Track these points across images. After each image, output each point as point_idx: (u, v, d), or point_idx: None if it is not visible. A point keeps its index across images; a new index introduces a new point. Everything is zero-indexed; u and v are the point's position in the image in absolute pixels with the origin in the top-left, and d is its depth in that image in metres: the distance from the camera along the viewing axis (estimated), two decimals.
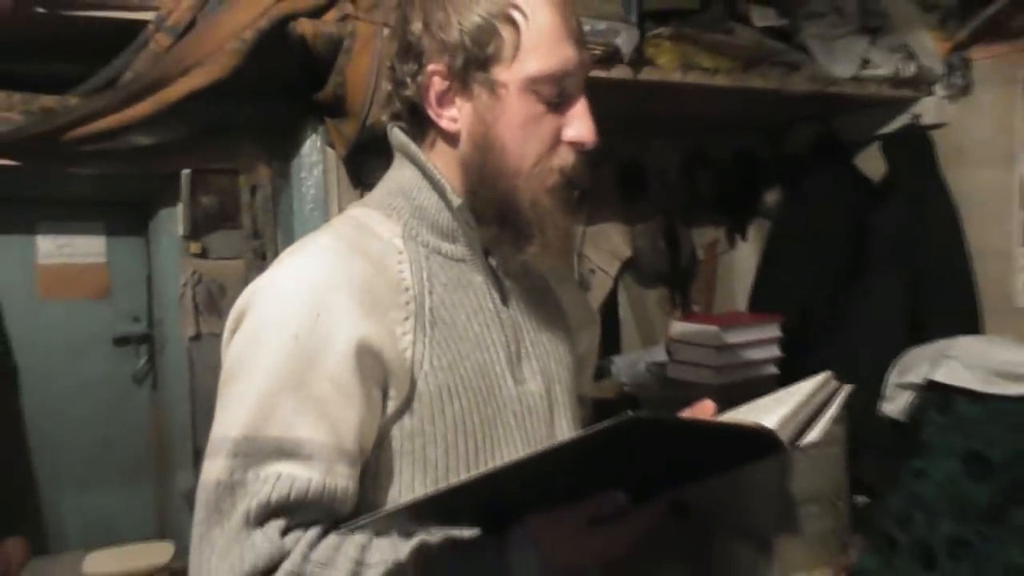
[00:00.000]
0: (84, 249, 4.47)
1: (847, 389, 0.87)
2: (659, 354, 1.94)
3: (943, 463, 1.52)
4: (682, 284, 2.24)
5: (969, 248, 1.82)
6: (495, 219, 0.89)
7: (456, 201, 0.89)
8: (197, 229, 4.24)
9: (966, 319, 1.78)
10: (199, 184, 4.21)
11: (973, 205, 1.83)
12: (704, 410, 0.90)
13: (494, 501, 0.78)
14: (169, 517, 4.43)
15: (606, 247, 2.14)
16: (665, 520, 0.96)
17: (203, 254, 4.25)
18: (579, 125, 0.88)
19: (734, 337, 1.78)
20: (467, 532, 0.80)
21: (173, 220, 4.29)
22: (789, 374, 1.73)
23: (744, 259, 2.30)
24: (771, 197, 2.21)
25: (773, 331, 1.82)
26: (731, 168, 2.27)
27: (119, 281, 4.56)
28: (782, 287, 2.04)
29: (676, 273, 2.21)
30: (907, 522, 1.52)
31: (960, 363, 1.55)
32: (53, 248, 4.36)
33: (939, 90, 1.89)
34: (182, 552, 3.74)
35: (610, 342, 2.12)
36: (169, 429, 4.42)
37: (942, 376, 1.56)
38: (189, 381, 4.19)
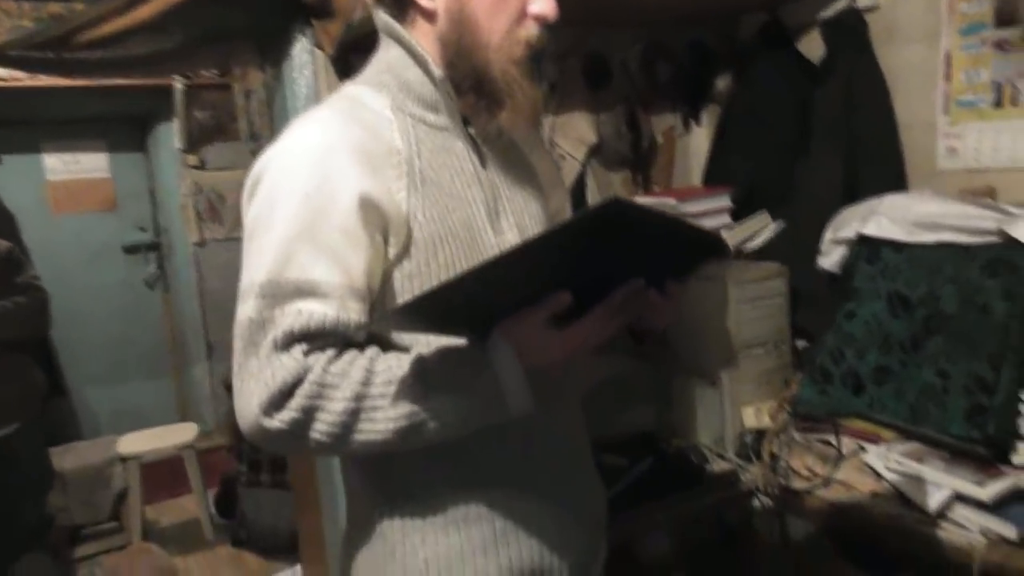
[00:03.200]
0: (89, 165, 4.45)
1: (776, 224, 0.95)
2: None
3: (870, 305, 1.63)
4: (643, 166, 2.30)
5: (897, 118, 1.89)
6: (472, 89, 0.95)
7: (438, 73, 0.95)
8: (193, 142, 4.23)
9: (895, 182, 1.86)
10: (193, 99, 4.17)
11: (901, 79, 1.89)
12: None
13: (481, 306, 0.84)
14: (189, 404, 4.57)
15: (574, 134, 2.18)
16: (626, 338, 1.05)
17: (201, 166, 4.25)
18: (542, 0, 0.93)
19: (689, 208, 1.86)
20: (457, 341, 0.89)
21: (170, 135, 4.27)
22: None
23: (699, 142, 2.35)
24: (723, 83, 2.24)
25: (724, 201, 1.90)
26: (687, 57, 2.30)
27: (124, 194, 4.56)
28: (733, 163, 2.11)
29: (638, 156, 2.27)
30: (840, 357, 1.64)
31: (886, 218, 1.64)
32: (60, 165, 4.34)
33: None
34: (204, 433, 3.89)
35: None
36: (182, 327, 4.52)
37: (871, 230, 1.65)
38: (197, 283, 4.27)
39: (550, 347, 0.85)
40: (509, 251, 0.75)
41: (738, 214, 1.92)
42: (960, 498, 1.35)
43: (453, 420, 0.86)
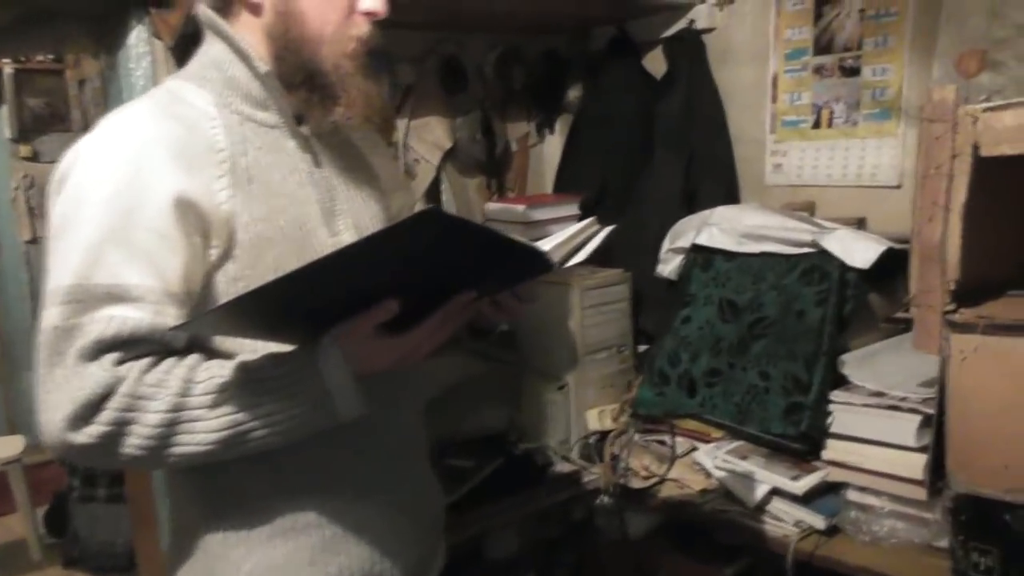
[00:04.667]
0: None
1: (606, 230, 0.99)
2: None
3: (703, 310, 1.73)
4: (498, 172, 2.34)
5: (731, 134, 2.02)
6: (303, 84, 0.94)
7: (263, 69, 0.92)
8: (25, 132, 3.91)
9: (728, 194, 1.98)
10: (25, 84, 3.86)
11: (735, 97, 2.02)
12: None
13: (308, 310, 0.83)
14: (18, 414, 4.22)
15: (429, 138, 2.19)
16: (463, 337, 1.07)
17: (34, 157, 3.94)
18: None
19: (539, 214, 1.92)
20: (285, 347, 0.88)
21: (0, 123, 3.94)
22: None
23: (553, 150, 2.42)
24: (574, 93, 2.31)
25: (572, 208, 1.97)
26: (541, 66, 2.35)
27: None
28: (582, 170, 2.18)
29: (492, 162, 2.30)
30: (676, 360, 1.73)
31: (718, 228, 1.74)
32: None
33: None
34: (32, 446, 3.60)
35: None
36: (10, 331, 4.17)
37: (704, 240, 1.75)
38: (28, 284, 3.95)
39: (380, 354, 0.85)
40: (329, 256, 0.74)
41: (588, 219, 1.99)
42: (777, 492, 1.45)
43: (280, 427, 0.85)
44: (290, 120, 0.96)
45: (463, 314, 0.88)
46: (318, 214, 0.96)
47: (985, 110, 1.17)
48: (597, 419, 1.78)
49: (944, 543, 1.27)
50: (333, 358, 0.84)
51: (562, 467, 1.72)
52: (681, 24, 2.06)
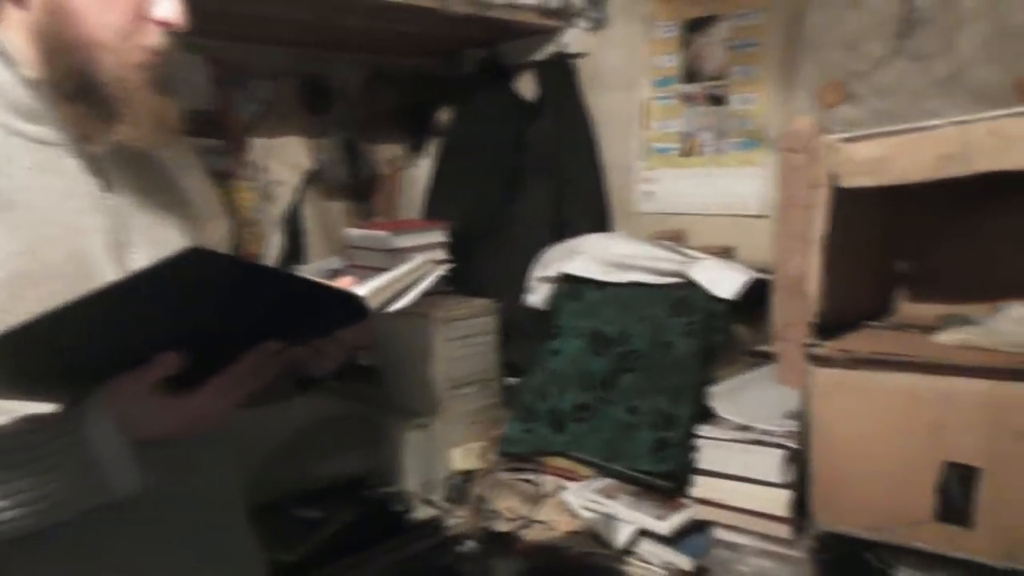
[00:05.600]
0: None
1: (438, 271, 0.90)
2: (336, 262, 1.93)
3: (573, 342, 1.66)
4: (365, 197, 2.22)
5: (603, 160, 1.98)
6: (78, 95, 0.80)
7: (29, 74, 0.78)
8: None
9: (600, 222, 1.94)
10: None
11: (607, 124, 1.99)
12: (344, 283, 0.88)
13: (72, 363, 0.70)
14: None
15: (288, 159, 2.06)
16: (290, 390, 0.95)
17: None
18: (167, 4, 0.81)
19: (403, 242, 1.81)
20: (47, 407, 0.74)
21: None
22: (460, 274, 1.80)
23: (424, 174, 2.32)
24: (444, 116, 2.23)
25: (439, 236, 1.87)
26: (411, 88, 2.27)
27: None
28: (452, 196, 2.09)
29: (359, 186, 2.19)
30: (544, 394, 1.65)
31: (587, 257, 1.69)
32: None
33: (581, 23, 2.00)
34: None
35: (294, 252, 2.07)
36: None
37: (573, 269, 1.69)
38: None
39: (162, 416, 0.73)
40: (80, 299, 0.62)
41: (456, 248, 1.90)
42: (645, 533, 1.39)
43: (41, 505, 0.71)
44: (70, 136, 0.82)
45: (268, 366, 0.76)
46: (102, 246, 0.82)
47: (843, 140, 1.16)
48: (462, 458, 1.68)
49: None
50: (101, 422, 0.70)
51: (424, 512, 1.60)
52: (552, 48, 2.02)
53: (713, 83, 1.82)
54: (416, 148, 2.32)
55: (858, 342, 1.25)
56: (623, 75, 1.96)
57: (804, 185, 1.20)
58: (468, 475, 1.66)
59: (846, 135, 1.17)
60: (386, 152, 2.28)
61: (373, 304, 0.73)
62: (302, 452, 1.56)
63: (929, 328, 1.33)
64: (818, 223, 1.19)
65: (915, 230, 1.43)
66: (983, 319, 1.29)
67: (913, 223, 1.42)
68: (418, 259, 0.87)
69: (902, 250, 1.46)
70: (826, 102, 1.65)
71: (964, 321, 1.32)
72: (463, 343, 1.70)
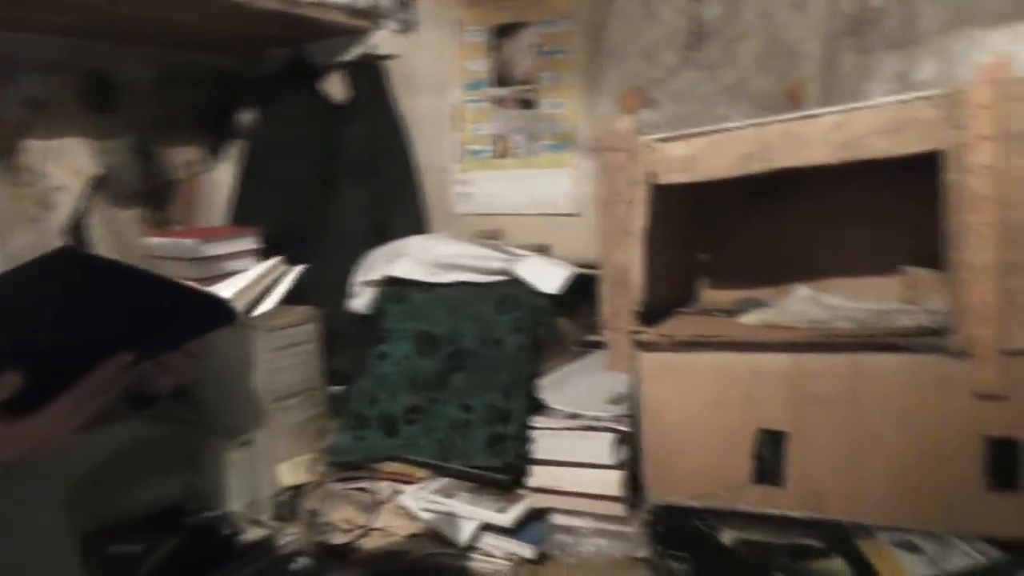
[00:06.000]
0: None
1: (296, 270, 0.87)
2: None
3: (400, 345, 1.65)
4: (159, 203, 2.06)
5: (419, 163, 1.99)
6: None
7: None
8: None
9: (418, 224, 1.95)
10: None
11: (421, 127, 2.00)
12: None
13: None
14: None
15: (69, 163, 1.86)
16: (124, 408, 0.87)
17: None
18: None
19: (213, 249, 1.71)
20: None
21: None
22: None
23: (226, 178, 2.20)
24: (247, 116, 2.13)
25: (250, 243, 1.78)
26: (209, 86, 2.14)
27: None
28: (260, 201, 2.00)
29: (153, 192, 2.03)
30: (374, 400, 1.63)
31: (411, 259, 1.68)
32: None
33: (391, 24, 2.00)
34: None
35: None
36: None
37: (397, 271, 1.68)
38: None
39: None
40: None
41: (270, 255, 1.81)
42: (487, 527, 1.41)
43: None
44: None
45: (117, 382, 0.69)
46: None
47: (658, 140, 1.25)
48: (290, 473, 1.62)
49: (644, 554, 1.31)
50: None
51: (254, 533, 1.52)
52: (362, 49, 1.99)
53: (523, 87, 1.89)
54: (216, 151, 2.19)
55: (676, 327, 1.36)
56: (435, 78, 1.98)
57: (625, 182, 1.28)
58: (297, 490, 1.59)
59: (662, 135, 1.26)
60: (183, 155, 2.13)
61: (238, 306, 0.69)
62: (112, 481, 1.42)
63: (730, 311, 1.47)
64: (638, 218, 1.28)
65: (712, 223, 1.58)
66: (775, 301, 1.45)
67: (711, 217, 1.57)
68: (271, 261, 0.83)
69: (702, 242, 1.60)
70: (628, 107, 1.77)
71: (758, 304, 1.47)
72: (285, 353, 1.64)
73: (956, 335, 1.08)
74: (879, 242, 1.40)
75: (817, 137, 1.16)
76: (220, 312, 0.67)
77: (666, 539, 1.28)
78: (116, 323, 0.65)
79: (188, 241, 1.69)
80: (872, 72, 1.55)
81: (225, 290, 0.70)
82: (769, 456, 1.21)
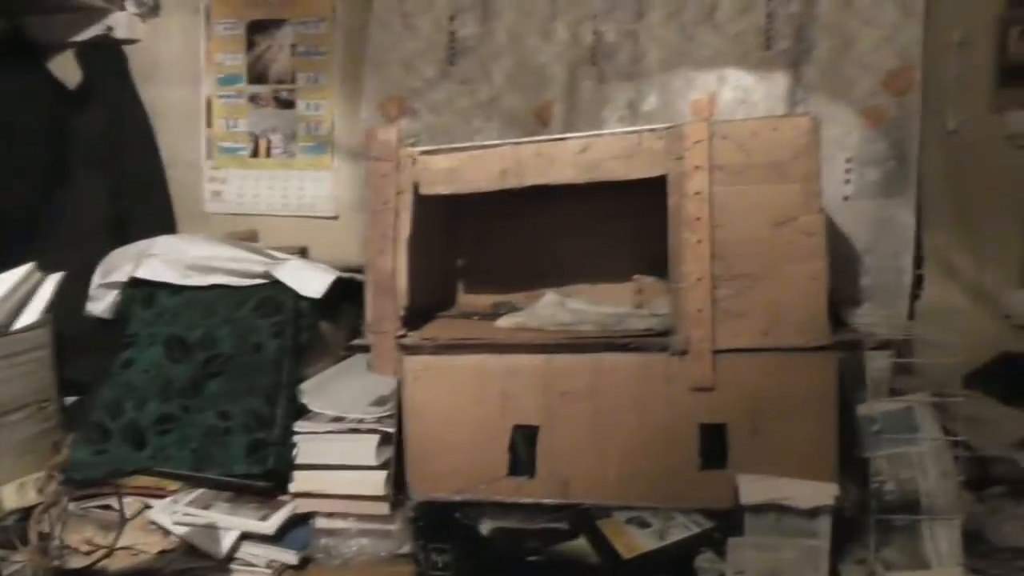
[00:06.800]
0: None
1: (55, 277, 0.81)
2: None
3: (149, 351, 1.56)
4: None
5: (165, 157, 1.88)
6: None
7: None
8: None
9: (164, 222, 1.84)
10: None
11: (167, 119, 1.89)
12: None
13: None
14: None
15: None
16: None
17: None
18: None
19: None
20: None
21: None
22: None
23: None
24: None
25: None
26: None
27: None
28: None
29: None
30: (119, 410, 1.52)
31: (160, 260, 1.59)
32: None
33: (130, 7, 1.86)
34: None
35: None
36: None
37: (144, 273, 1.58)
38: None
39: None
40: None
41: None
42: (247, 536, 1.39)
43: None
44: None
45: None
46: None
47: (422, 153, 1.31)
48: (16, 495, 1.47)
49: (407, 550, 1.37)
50: None
51: None
52: (96, 30, 1.84)
53: (280, 86, 1.85)
54: None
55: (437, 330, 1.43)
56: (184, 69, 1.88)
57: (391, 192, 1.32)
58: (26, 512, 1.45)
59: (425, 148, 1.32)
60: None
61: None
62: None
63: (486, 315, 1.58)
64: (404, 226, 1.33)
65: (469, 231, 1.68)
66: (526, 305, 1.58)
67: (467, 225, 1.66)
68: (24, 268, 0.77)
69: (459, 248, 1.69)
70: (388, 115, 1.81)
71: (511, 308, 1.60)
72: (8, 363, 1.47)
73: (677, 336, 1.26)
74: (615, 252, 1.58)
75: (565, 158, 1.29)
76: None
77: (428, 533, 1.34)
78: None
79: None
80: (608, 99, 1.73)
81: None
82: (523, 450, 1.32)
